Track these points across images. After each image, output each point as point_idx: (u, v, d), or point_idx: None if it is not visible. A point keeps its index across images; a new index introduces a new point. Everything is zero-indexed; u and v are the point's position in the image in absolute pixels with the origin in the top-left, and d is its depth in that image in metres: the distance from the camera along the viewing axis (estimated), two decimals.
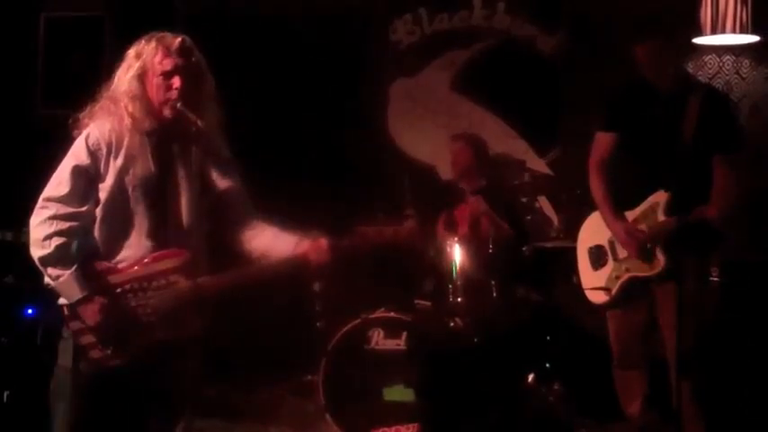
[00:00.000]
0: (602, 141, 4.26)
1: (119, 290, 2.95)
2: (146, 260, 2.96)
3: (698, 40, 5.09)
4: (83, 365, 2.95)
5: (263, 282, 3.05)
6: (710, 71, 5.71)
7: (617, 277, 4.21)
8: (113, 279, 2.95)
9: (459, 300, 4.87)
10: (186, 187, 3.04)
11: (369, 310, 4.79)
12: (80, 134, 2.98)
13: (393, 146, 6.29)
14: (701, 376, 3.98)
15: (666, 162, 3.99)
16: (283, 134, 6.16)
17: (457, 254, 4.88)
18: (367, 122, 6.25)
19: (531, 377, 4.96)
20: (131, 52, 3.02)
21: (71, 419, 2.96)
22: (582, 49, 5.88)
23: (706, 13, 4.93)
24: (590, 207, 4.37)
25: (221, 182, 3.11)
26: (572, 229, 4.70)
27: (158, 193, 2.99)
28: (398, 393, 4.64)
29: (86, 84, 3.06)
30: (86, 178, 2.95)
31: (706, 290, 4.21)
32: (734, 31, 4.93)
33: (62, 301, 2.96)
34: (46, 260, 2.90)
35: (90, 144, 2.95)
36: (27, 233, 2.96)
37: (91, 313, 2.90)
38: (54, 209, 2.91)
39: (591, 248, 4.35)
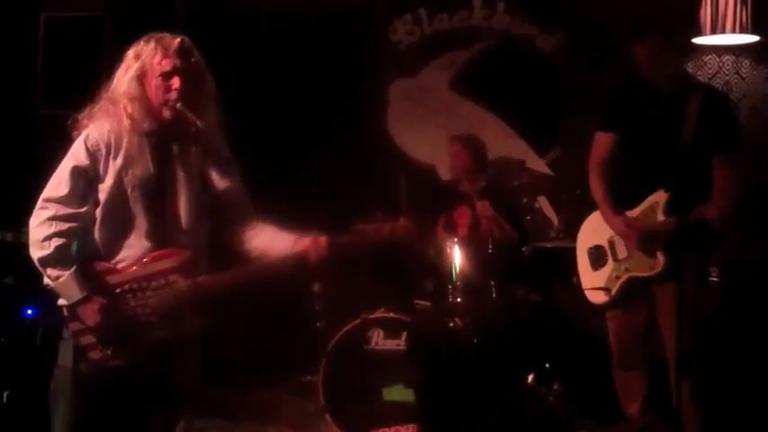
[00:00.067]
0: (602, 141, 4.26)
1: (118, 290, 2.95)
2: (145, 260, 2.96)
3: (698, 40, 5.10)
4: (83, 366, 2.95)
5: (263, 280, 3.05)
6: (710, 71, 5.71)
7: (617, 277, 4.21)
8: (112, 279, 2.95)
9: (458, 300, 4.87)
10: (185, 187, 3.04)
11: (369, 310, 4.79)
12: (79, 135, 2.99)
13: (393, 146, 6.29)
14: (700, 376, 3.98)
15: (666, 162, 3.99)
16: (283, 134, 6.16)
17: (456, 254, 4.88)
18: (367, 122, 6.25)
19: (530, 377, 4.95)
20: (130, 53, 3.02)
21: (71, 420, 2.96)
22: (582, 49, 5.88)
23: (706, 13, 4.94)
24: (590, 207, 4.37)
25: (221, 182, 3.11)
26: (572, 230, 4.70)
27: (157, 194, 3.00)
28: (398, 393, 4.64)
29: (86, 84, 3.07)
30: (86, 179, 2.95)
31: (706, 290, 4.21)
32: (734, 32, 4.93)
33: (62, 301, 2.96)
34: (45, 261, 2.91)
35: (89, 145, 2.95)
36: (27, 233, 2.96)
37: (90, 314, 2.90)
38: (53, 210, 2.92)
39: (590, 249, 4.35)
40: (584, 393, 4.85)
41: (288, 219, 3.13)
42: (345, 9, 6.17)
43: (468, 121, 6.05)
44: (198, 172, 3.07)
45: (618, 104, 4.25)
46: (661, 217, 4.06)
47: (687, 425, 3.83)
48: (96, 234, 2.96)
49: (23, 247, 2.99)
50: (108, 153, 2.96)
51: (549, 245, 5.44)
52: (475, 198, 5.17)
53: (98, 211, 2.96)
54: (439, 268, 4.98)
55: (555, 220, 5.77)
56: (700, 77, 5.37)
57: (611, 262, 4.25)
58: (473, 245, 4.96)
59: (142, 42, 3.01)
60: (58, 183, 2.94)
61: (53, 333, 3.10)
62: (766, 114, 5.64)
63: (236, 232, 3.12)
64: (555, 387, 4.93)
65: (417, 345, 4.64)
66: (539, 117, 5.98)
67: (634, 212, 4.16)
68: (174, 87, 2.95)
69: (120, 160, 2.96)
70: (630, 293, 4.19)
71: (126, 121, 2.97)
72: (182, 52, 2.97)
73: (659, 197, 4.07)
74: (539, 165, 6.00)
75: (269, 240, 3.09)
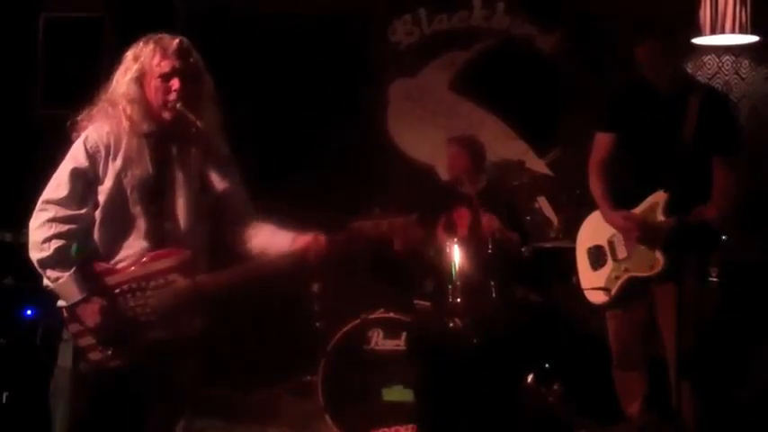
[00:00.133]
0: (602, 141, 4.26)
1: (117, 290, 2.95)
2: (144, 260, 2.97)
3: (697, 41, 5.10)
4: (82, 366, 2.95)
5: (263, 278, 3.05)
6: (710, 71, 5.71)
7: (616, 277, 4.21)
8: (112, 280, 2.95)
9: (458, 300, 4.86)
10: (185, 188, 3.04)
11: (368, 310, 4.79)
12: (78, 137, 2.99)
13: (393, 146, 6.29)
14: (700, 376, 3.98)
15: (666, 162, 3.99)
16: (283, 134, 6.16)
17: (456, 254, 4.87)
18: (367, 122, 6.24)
19: (530, 377, 4.95)
20: (129, 55, 3.01)
21: (71, 420, 2.96)
22: (581, 49, 5.88)
23: (705, 14, 4.94)
24: (589, 207, 4.37)
25: (221, 183, 3.11)
26: (571, 230, 4.70)
27: (157, 195, 3.00)
28: (398, 394, 4.64)
29: (86, 84, 3.07)
30: (85, 181, 2.95)
31: (706, 290, 4.21)
32: (733, 32, 4.94)
33: (61, 303, 2.96)
34: (45, 262, 2.91)
35: (88, 147, 2.95)
36: (26, 234, 2.96)
37: (90, 314, 2.90)
38: (53, 211, 2.92)
39: (590, 249, 4.35)
40: (584, 393, 4.85)
41: (288, 219, 3.13)
42: (345, 9, 6.17)
43: (467, 122, 6.05)
44: (197, 173, 3.07)
45: (618, 104, 4.25)
46: (661, 217, 4.06)
47: (687, 424, 3.83)
48: (96, 235, 2.96)
49: (23, 247, 2.98)
50: (107, 155, 2.96)
51: (548, 245, 5.44)
52: (474, 199, 5.17)
53: (97, 213, 2.96)
54: (439, 268, 4.98)
55: (555, 220, 5.76)
56: (699, 78, 5.37)
57: (610, 262, 4.25)
58: (473, 245, 4.95)
59: (141, 44, 3.01)
60: (58, 184, 2.94)
61: (53, 334, 3.10)
62: (766, 114, 5.64)
63: (237, 233, 3.13)
64: (555, 387, 4.93)
65: (417, 345, 4.64)
66: (538, 117, 5.97)
67: (634, 212, 4.15)
68: (173, 89, 2.95)
69: (119, 162, 2.96)
70: (630, 293, 4.19)
71: (125, 123, 2.96)
72: (181, 53, 2.97)
73: (659, 197, 4.07)
74: (538, 165, 6.00)
75: (268, 239, 3.09)
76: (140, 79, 2.97)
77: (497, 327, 4.88)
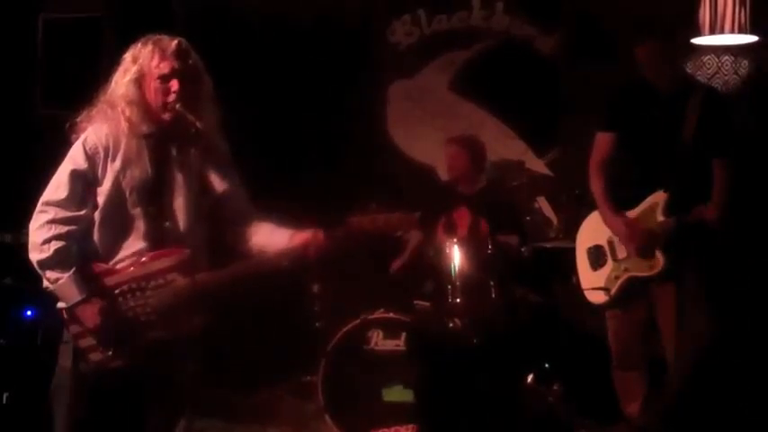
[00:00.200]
0: (602, 141, 4.26)
1: (117, 291, 2.95)
2: (143, 259, 2.97)
3: (696, 41, 5.09)
4: (83, 366, 2.95)
5: (262, 275, 3.05)
6: (709, 71, 5.70)
7: (616, 277, 4.22)
8: (111, 280, 2.96)
9: (458, 300, 4.86)
10: (184, 189, 3.04)
11: (368, 310, 4.79)
12: (78, 138, 2.99)
13: (392, 146, 6.29)
14: (700, 377, 3.98)
15: (666, 162, 4.00)
16: (282, 134, 6.16)
17: (456, 255, 4.87)
18: (366, 123, 6.24)
19: (530, 377, 4.95)
20: (128, 56, 3.01)
21: (71, 421, 2.96)
22: (581, 49, 5.87)
23: (705, 14, 4.92)
24: (589, 207, 4.37)
25: (220, 183, 3.11)
26: (571, 230, 4.70)
27: (156, 196, 3.00)
28: (398, 394, 4.64)
29: (86, 85, 3.07)
30: (84, 182, 2.95)
31: (706, 290, 4.21)
32: (732, 32, 4.92)
33: (61, 304, 2.96)
34: (45, 264, 2.91)
35: (87, 148, 2.95)
36: (26, 234, 2.96)
37: (90, 315, 2.90)
38: (53, 213, 2.92)
39: (590, 249, 4.35)
40: (584, 393, 4.85)
41: (287, 219, 3.13)
42: (344, 10, 6.17)
43: (467, 122, 6.04)
44: (197, 173, 3.07)
45: (618, 104, 4.25)
46: (661, 217, 4.06)
47: (686, 425, 3.83)
48: (95, 236, 2.97)
49: (23, 248, 2.99)
50: (106, 156, 2.96)
51: (548, 245, 5.43)
52: (474, 199, 5.17)
53: (97, 214, 2.97)
54: (438, 268, 4.98)
55: (554, 220, 5.76)
56: (699, 78, 5.37)
57: (610, 262, 4.25)
58: (472, 245, 4.95)
59: (139, 45, 3.01)
60: (57, 186, 2.95)
61: (53, 334, 3.10)
62: (765, 114, 5.63)
63: (237, 233, 3.13)
64: (555, 387, 4.92)
65: (417, 345, 4.64)
66: (538, 118, 5.97)
67: (634, 212, 4.16)
68: (172, 90, 2.95)
69: (118, 163, 2.96)
70: (630, 293, 4.19)
71: (124, 124, 2.97)
72: (179, 54, 2.97)
73: (659, 197, 4.08)
74: (538, 165, 6.00)
75: (267, 236, 3.09)
76: (139, 80, 2.97)
77: (497, 327, 4.88)
